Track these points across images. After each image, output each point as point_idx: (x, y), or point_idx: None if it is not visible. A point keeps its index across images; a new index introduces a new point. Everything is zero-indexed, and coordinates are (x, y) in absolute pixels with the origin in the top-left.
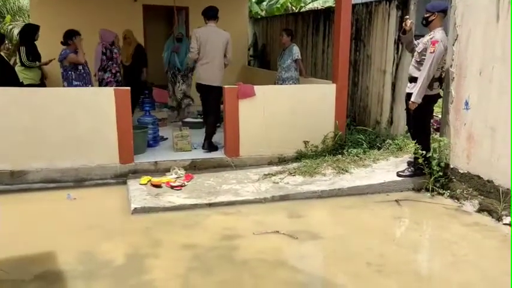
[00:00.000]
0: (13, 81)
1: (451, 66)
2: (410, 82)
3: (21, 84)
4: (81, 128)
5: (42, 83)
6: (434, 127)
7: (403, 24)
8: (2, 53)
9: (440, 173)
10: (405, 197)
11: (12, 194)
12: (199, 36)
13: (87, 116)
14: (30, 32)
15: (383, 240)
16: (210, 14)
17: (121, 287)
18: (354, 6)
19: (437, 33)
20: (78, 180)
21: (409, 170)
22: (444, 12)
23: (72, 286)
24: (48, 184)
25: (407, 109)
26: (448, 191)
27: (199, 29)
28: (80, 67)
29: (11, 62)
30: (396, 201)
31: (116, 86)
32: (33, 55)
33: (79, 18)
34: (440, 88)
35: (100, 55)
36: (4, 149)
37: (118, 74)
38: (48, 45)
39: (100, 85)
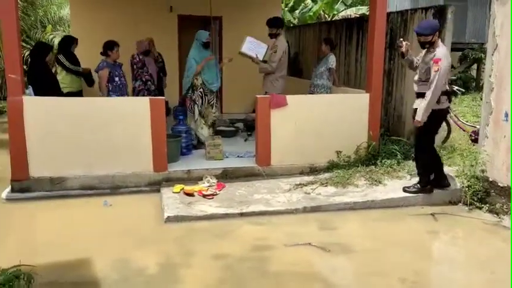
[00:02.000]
0: (54, 90)
1: (490, 76)
2: (417, 98)
3: (61, 93)
4: (118, 136)
5: (81, 90)
6: (473, 138)
7: (397, 46)
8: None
9: (479, 186)
10: (441, 210)
11: (51, 200)
12: (286, 46)
13: (124, 125)
14: (66, 43)
15: (418, 255)
16: (282, 23)
17: None
18: (388, 14)
19: (439, 51)
20: (114, 188)
21: (416, 186)
22: (440, 29)
23: None
24: (86, 191)
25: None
26: (487, 205)
27: (282, 38)
28: (117, 79)
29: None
30: (432, 214)
31: (147, 94)
32: (73, 63)
33: (117, 28)
34: (449, 102)
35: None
36: (44, 156)
37: (149, 82)
38: (88, 54)
39: (132, 93)
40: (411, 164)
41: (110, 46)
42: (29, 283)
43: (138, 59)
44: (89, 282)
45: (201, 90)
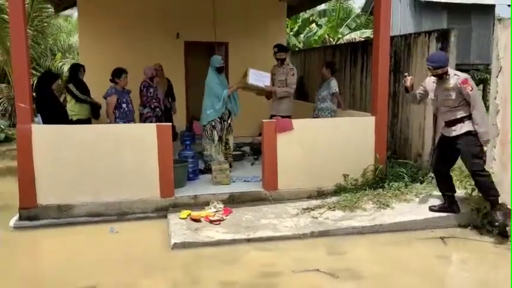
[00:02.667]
0: (62, 117)
1: (495, 98)
2: (453, 125)
3: (70, 121)
4: (125, 162)
5: (90, 118)
6: None
7: (403, 82)
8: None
9: (488, 209)
10: (451, 234)
11: (59, 228)
12: None
13: (131, 151)
14: (75, 71)
15: (427, 280)
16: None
17: None
18: (392, 38)
19: (459, 73)
20: (121, 214)
21: (443, 205)
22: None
23: None
24: (93, 218)
25: (439, 149)
26: (498, 228)
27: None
28: (124, 105)
29: (61, 99)
30: (441, 238)
31: (156, 120)
32: (82, 91)
33: (125, 54)
34: None
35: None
36: (52, 184)
37: (157, 109)
38: (97, 81)
39: (140, 120)
40: (419, 187)
41: (118, 73)
42: None
43: (148, 85)
44: None
45: (220, 116)
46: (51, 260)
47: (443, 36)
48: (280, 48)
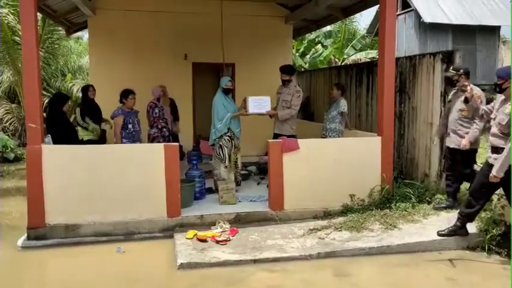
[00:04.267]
0: (72, 138)
1: None
2: (493, 152)
3: (80, 141)
4: (132, 182)
5: (101, 138)
6: None
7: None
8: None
9: (496, 231)
10: (459, 256)
11: (66, 248)
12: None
13: (138, 171)
14: (83, 92)
15: None
16: (294, 70)
17: None
18: (397, 59)
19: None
20: (128, 234)
21: (451, 228)
22: None
23: None
24: (100, 237)
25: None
26: (506, 249)
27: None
28: (130, 126)
29: (71, 119)
30: (450, 260)
31: (163, 140)
32: (90, 113)
33: (134, 75)
34: None
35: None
36: (61, 203)
37: (164, 129)
38: (106, 101)
39: (148, 140)
40: (426, 207)
41: (125, 94)
42: None
43: (154, 106)
44: None
45: (229, 134)
46: (57, 280)
47: (448, 58)
48: (283, 70)
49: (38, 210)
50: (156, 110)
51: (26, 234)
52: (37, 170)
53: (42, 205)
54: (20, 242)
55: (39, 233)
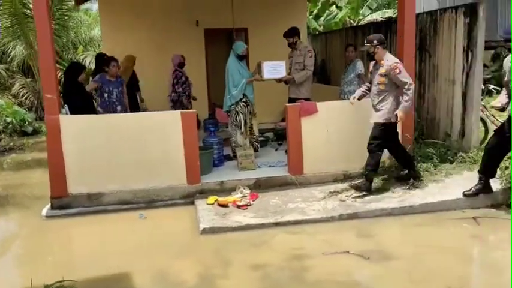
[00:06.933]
0: (90, 108)
1: None
2: None
3: (96, 111)
4: (152, 150)
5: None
6: None
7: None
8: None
9: None
10: (483, 214)
11: (89, 216)
12: None
13: (157, 139)
14: (100, 61)
15: (462, 260)
16: (297, 31)
17: None
18: (417, 15)
19: None
20: (149, 201)
21: (476, 188)
22: None
23: None
24: (122, 205)
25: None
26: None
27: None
28: (106, 95)
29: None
30: (474, 218)
31: (187, 101)
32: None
33: (146, 44)
34: None
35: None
36: (82, 173)
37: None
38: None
39: (171, 102)
40: (448, 167)
41: (106, 62)
42: None
43: (178, 72)
44: None
45: (244, 100)
46: (83, 246)
47: (471, 11)
48: (285, 35)
49: (60, 180)
50: (183, 78)
51: (49, 204)
52: (56, 139)
53: (63, 174)
54: (44, 211)
55: (63, 202)
